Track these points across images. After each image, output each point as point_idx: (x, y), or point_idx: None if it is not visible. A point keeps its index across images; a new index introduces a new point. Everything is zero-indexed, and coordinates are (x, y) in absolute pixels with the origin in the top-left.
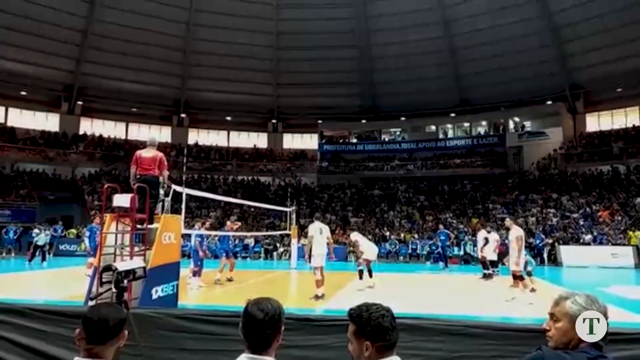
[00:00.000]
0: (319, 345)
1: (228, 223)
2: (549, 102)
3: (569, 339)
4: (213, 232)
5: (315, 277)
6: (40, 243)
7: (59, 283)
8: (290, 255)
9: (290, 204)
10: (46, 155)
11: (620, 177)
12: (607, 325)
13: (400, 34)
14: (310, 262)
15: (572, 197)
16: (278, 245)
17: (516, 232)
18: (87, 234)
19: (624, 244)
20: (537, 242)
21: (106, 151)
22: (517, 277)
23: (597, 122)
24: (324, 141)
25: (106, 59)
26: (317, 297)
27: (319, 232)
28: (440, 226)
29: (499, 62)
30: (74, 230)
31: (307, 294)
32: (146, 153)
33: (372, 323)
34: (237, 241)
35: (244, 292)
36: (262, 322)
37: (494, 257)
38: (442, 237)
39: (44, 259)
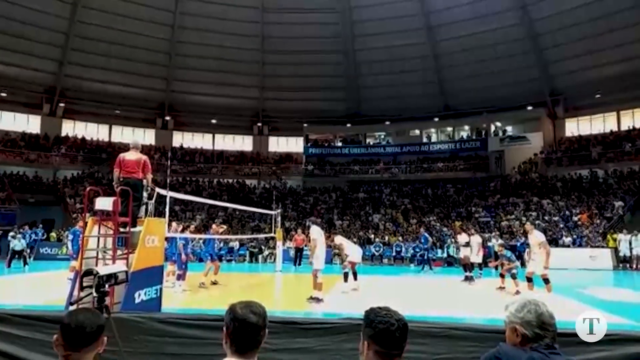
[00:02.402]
0: (303, 349)
1: (213, 226)
2: (530, 108)
3: (512, 342)
4: (198, 235)
5: (318, 280)
6: (17, 249)
7: (38, 287)
8: (275, 258)
9: (275, 207)
10: (27, 158)
11: (599, 181)
12: (544, 327)
13: (385, 39)
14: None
15: (552, 201)
16: (263, 248)
17: (537, 238)
18: (70, 237)
19: (602, 247)
20: (518, 244)
21: (89, 154)
22: (545, 281)
23: (576, 127)
24: (309, 144)
25: (89, 61)
26: (317, 300)
27: (320, 236)
28: (422, 229)
29: (482, 68)
30: (54, 234)
31: (293, 296)
32: (130, 156)
33: (373, 326)
34: (222, 244)
35: (228, 295)
36: (256, 325)
37: (479, 260)
38: (423, 240)
39: (25, 263)
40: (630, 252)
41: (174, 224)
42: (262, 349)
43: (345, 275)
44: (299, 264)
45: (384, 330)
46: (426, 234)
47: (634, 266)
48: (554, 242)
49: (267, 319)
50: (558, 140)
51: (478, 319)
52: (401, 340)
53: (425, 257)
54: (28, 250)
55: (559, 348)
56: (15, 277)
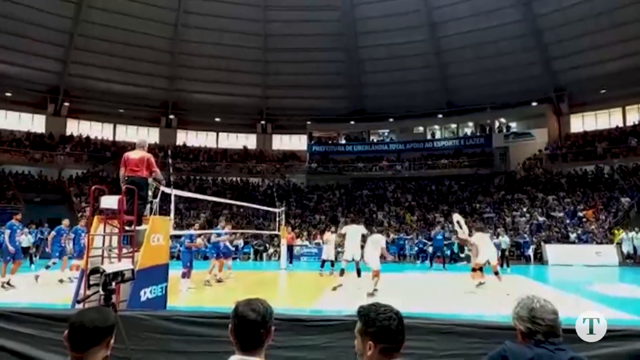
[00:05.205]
0: (309, 346)
1: (221, 223)
2: (534, 104)
3: (519, 338)
4: (206, 231)
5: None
6: (24, 245)
7: (44, 286)
8: (279, 256)
9: (279, 205)
10: (32, 157)
11: (604, 176)
12: (536, 322)
13: (388, 36)
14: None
15: (558, 197)
16: (268, 246)
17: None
18: (72, 236)
19: (608, 243)
20: (522, 241)
21: (93, 153)
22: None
23: (581, 123)
24: (313, 142)
25: (93, 60)
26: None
27: (375, 242)
28: (437, 227)
29: (485, 64)
30: None
31: (298, 294)
32: (134, 155)
33: (377, 324)
34: (227, 242)
35: (233, 293)
36: (254, 322)
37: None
38: (439, 237)
39: (31, 262)
40: (634, 249)
41: (222, 222)
42: (268, 345)
43: (342, 272)
44: (290, 262)
45: (388, 326)
46: (442, 232)
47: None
48: (559, 238)
49: (268, 316)
50: (563, 136)
51: (484, 315)
52: (403, 333)
53: (442, 254)
54: (34, 249)
55: (565, 344)
56: (22, 276)
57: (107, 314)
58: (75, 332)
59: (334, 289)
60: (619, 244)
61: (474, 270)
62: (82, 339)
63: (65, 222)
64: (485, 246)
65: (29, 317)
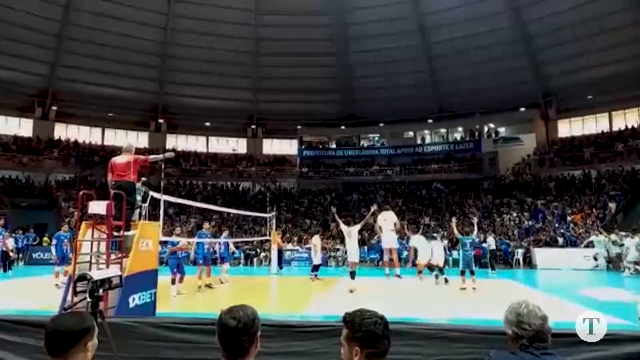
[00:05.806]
0: (299, 352)
1: (206, 225)
2: (523, 109)
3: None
4: (197, 239)
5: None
6: (10, 246)
7: (31, 292)
8: (270, 261)
9: (270, 210)
10: (19, 161)
11: (592, 181)
12: (521, 326)
13: (379, 41)
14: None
15: (546, 201)
16: (259, 250)
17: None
18: (54, 242)
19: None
20: (504, 247)
21: (81, 157)
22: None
23: (568, 128)
24: (303, 147)
25: (82, 64)
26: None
27: (383, 220)
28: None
29: (475, 69)
30: (47, 239)
31: (288, 299)
32: (120, 159)
33: (363, 329)
34: (222, 248)
35: (222, 299)
36: (235, 330)
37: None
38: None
39: (9, 267)
40: (607, 253)
41: (206, 224)
42: (258, 352)
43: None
44: (280, 267)
45: (374, 331)
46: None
47: (618, 266)
48: (547, 242)
49: (251, 323)
50: (551, 141)
51: (473, 319)
52: (389, 337)
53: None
54: (20, 255)
55: (553, 348)
56: (5, 282)
57: (82, 316)
58: (50, 338)
59: (351, 291)
60: (588, 247)
61: (429, 268)
62: (59, 344)
63: (65, 227)
64: (422, 248)
65: (12, 324)
